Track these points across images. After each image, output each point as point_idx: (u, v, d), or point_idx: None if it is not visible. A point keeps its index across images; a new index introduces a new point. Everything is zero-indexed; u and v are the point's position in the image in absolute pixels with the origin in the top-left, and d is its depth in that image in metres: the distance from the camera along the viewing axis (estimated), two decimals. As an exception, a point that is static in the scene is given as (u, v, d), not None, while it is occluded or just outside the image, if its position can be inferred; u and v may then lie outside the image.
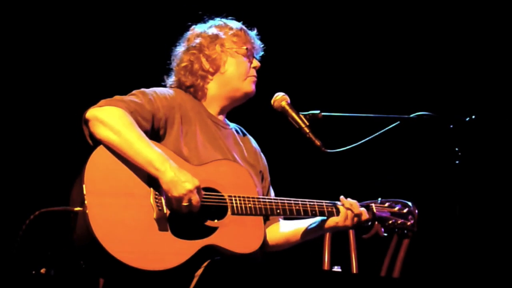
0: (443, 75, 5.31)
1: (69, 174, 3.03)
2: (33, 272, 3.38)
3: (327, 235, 4.12)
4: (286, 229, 3.44)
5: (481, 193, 5.11)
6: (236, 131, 3.54)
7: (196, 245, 3.01)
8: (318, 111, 3.32)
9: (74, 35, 4.83)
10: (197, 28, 3.48)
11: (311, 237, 3.43)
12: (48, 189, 4.35)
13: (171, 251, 2.96)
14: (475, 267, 4.96)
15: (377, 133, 3.36)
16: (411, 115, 3.39)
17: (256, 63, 3.46)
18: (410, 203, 3.42)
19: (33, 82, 4.75)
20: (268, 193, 3.53)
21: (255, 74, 3.45)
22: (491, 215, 5.16)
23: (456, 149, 3.30)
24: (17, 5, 4.71)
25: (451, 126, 3.34)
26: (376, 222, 3.34)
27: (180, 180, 2.97)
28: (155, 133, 3.20)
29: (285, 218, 3.49)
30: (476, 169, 5.00)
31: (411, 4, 5.32)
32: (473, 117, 3.34)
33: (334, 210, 3.28)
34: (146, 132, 3.14)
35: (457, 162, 3.29)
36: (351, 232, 4.14)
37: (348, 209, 3.26)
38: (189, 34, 3.49)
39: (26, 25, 4.74)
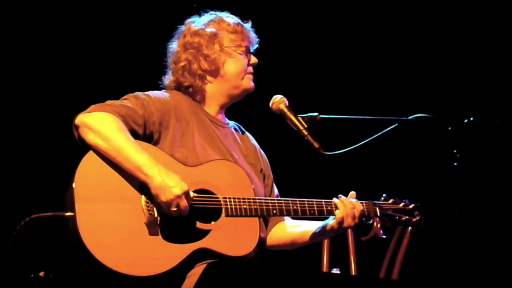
0: (442, 77, 5.31)
1: (64, 178, 3.02)
2: (32, 275, 3.37)
3: (326, 237, 4.12)
4: (293, 230, 3.43)
5: (480, 195, 5.11)
6: (235, 129, 3.53)
7: (187, 248, 3.00)
8: (316, 114, 3.33)
9: (65, 37, 4.80)
10: (193, 24, 3.43)
11: (318, 240, 3.42)
12: (42, 193, 4.33)
13: (161, 256, 2.96)
14: (474, 269, 4.95)
15: (375, 135, 3.36)
16: (410, 117, 3.39)
17: (253, 59, 3.44)
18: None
19: (26, 86, 4.70)
20: (271, 191, 3.51)
21: (252, 70, 3.44)
22: (490, 217, 5.16)
23: (455, 151, 3.30)
24: (13, 6, 4.68)
25: (450, 128, 3.34)
26: (375, 224, 3.32)
27: (168, 185, 2.96)
28: (149, 137, 3.19)
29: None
30: (475, 171, 5.00)
31: (409, 5, 5.32)
32: (472, 119, 3.34)
33: (333, 208, 3.26)
34: (139, 137, 3.13)
35: (455, 164, 3.29)
36: (349, 234, 4.13)
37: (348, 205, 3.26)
38: (184, 29, 3.44)
39: (19, 26, 4.72)
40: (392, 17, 5.35)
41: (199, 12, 3.49)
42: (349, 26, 5.37)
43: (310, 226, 3.38)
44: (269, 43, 3.56)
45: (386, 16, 5.36)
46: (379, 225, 3.32)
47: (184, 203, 2.98)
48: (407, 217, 3.37)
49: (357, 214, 3.24)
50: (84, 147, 3.04)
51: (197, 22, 3.44)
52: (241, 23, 3.45)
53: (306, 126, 3.29)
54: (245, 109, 3.59)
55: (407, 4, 5.32)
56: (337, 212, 3.24)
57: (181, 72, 3.39)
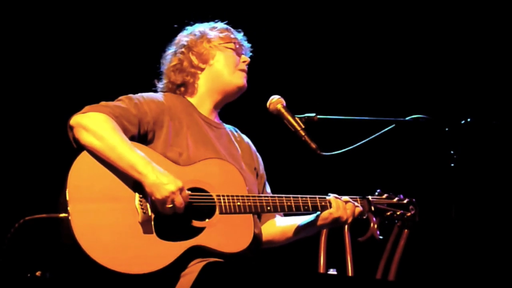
0: (439, 77, 5.31)
1: (57, 179, 3.02)
2: (28, 275, 3.38)
3: (323, 237, 4.11)
4: (283, 224, 3.45)
5: (477, 196, 5.11)
6: (231, 131, 3.54)
7: (182, 246, 3.01)
8: (313, 114, 3.33)
9: (60, 39, 4.78)
10: (184, 31, 3.52)
11: (309, 233, 3.44)
12: (36, 195, 4.32)
13: (156, 254, 2.97)
14: (471, 270, 4.96)
15: (372, 136, 3.37)
16: (407, 118, 3.39)
17: (245, 57, 3.47)
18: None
19: (20, 90, 4.68)
20: (264, 189, 3.53)
21: (245, 68, 3.46)
22: (487, 218, 5.16)
23: (452, 152, 3.30)
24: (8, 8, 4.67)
25: (447, 129, 3.35)
26: (372, 225, 3.33)
27: (162, 183, 2.98)
28: (143, 137, 3.21)
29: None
30: (472, 172, 5.00)
31: (407, 7, 5.32)
32: (469, 120, 3.35)
33: (327, 204, 3.28)
34: (134, 137, 3.15)
35: (452, 165, 3.29)
36: (346, 234, 4.13)
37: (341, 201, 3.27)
38: (177, 39, 3.52)
39: (9, 34, 4.70)
40: (389, 18, 5.36)
41: (191, 24, 3.53)
42: (347, 26, 5.38)
43: (302, 219, 3.40)
44: (267, 43, 3.56)
45: (383, 17, 5.36)
46: (376, 226, 3.33)
47: (179, 199, 3.00)
48: (401, 211, 3.39)
49: (349, 213, 3.27)
50: (79, 148, 3.05)
51: (188, 29, 3.52)
52: (231, 29, 3.51)
53: (303, 126, 3.29)
54: (242, 110, 3.59)
55: (406, 4, 5.32)
56: (331, 210, 3.26)
57: (173, 72, 3.43)
